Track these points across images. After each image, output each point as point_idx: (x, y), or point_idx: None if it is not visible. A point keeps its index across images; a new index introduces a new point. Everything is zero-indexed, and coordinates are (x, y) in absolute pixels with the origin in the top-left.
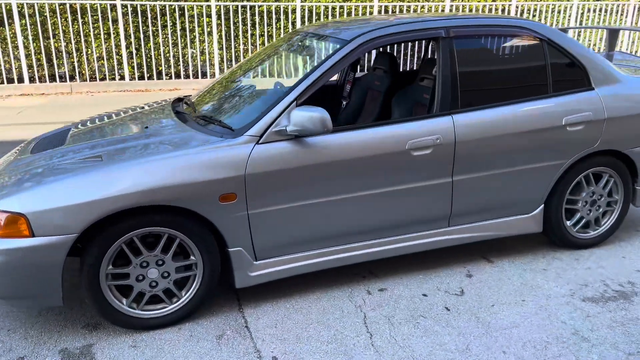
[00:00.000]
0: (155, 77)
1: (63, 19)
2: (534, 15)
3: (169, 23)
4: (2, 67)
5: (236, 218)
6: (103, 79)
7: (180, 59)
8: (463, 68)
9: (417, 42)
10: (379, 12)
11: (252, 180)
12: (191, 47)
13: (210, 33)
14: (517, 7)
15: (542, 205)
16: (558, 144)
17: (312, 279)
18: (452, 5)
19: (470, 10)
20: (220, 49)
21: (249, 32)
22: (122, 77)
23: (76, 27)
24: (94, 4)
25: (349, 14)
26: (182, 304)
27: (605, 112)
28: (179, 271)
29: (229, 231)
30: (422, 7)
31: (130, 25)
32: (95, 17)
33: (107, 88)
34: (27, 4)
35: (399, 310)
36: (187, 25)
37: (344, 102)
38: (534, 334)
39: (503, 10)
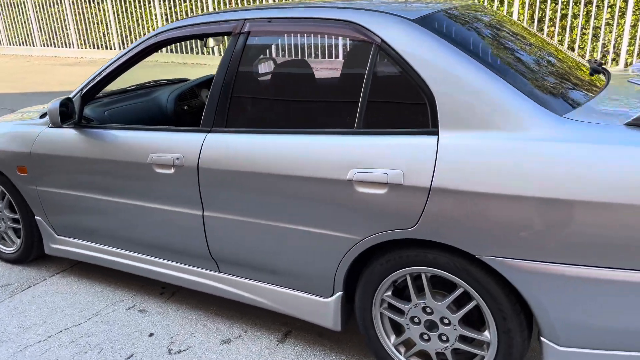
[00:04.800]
0: None
1: None
2: None
3: None
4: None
5: (31, 190)
6: None
7: None
8: (246, 77)
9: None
10: None
11: (36, 158)
12: None
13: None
14: None
15: (341, 294)
16: (343, 209)
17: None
18: None
19: None
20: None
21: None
22: None
23: None
24: None
25: None
26: (15, 250)
27: (434, 173)
28: (14, 222)
29: (30, 200)
30: None
31: None
32: None
33: None
34: None
35: (96, 336)
36: None
37: None
38: None
39: None
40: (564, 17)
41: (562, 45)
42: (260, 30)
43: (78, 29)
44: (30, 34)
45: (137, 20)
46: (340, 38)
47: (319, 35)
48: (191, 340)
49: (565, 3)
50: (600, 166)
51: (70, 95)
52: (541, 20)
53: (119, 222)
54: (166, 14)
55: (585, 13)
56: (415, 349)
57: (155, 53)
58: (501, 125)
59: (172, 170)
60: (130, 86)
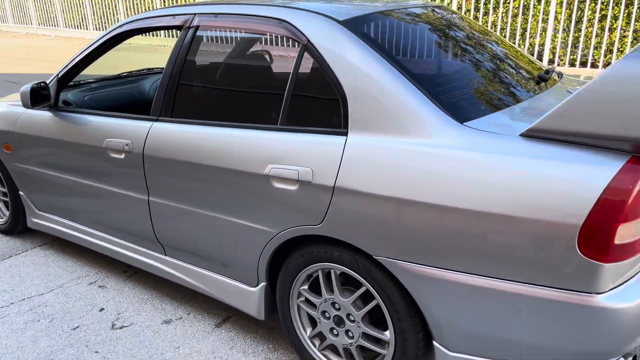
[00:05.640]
0: None
1: None
2: None
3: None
4: None
5: (15, 167)
6: None
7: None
8: (190, 69)
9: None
10: None
11: (17, 137)
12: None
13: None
14: None
15: (264, 284)
16: (262, 203)
17: None
18: None
19: None
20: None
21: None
22: None
23: None
24: None
25: None
26: (5, 221)
27: (338, 173)
28: (4, 195)
29: (15, 176)
30: None
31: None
32: None
33: None
34: None
35: (53, 306)
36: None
37: None
38: None
39: None
40: (603, 18)
41: (600, 47)
42: (207, 25)
43: (127, 14)
44: (85, 17)
45: None
46: (275, 35)
47: (258, 32)
48: (136, 318)
49: (605, 3)
50: (483, 175)
51: (48, 80)
52: (579, 20)
53: (83, 202)
54: None
55: (626, 15)
56: (326, 343)
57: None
58: (403, 130)
59: (122, 156)
60: (122, 73)
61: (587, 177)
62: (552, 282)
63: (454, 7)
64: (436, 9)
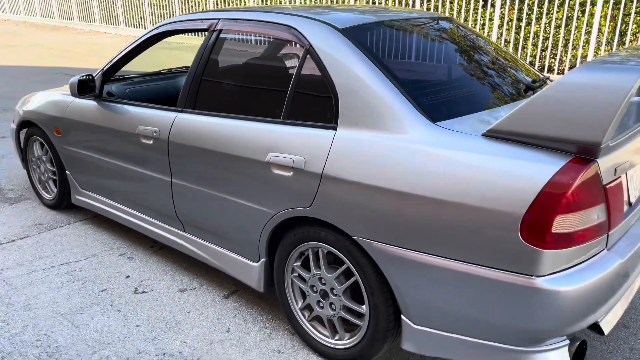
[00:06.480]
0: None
1: None
2: None
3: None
4: None
5: (63, 149)
6: None
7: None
8: (211, 67)
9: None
10: None
11: (66, 122)
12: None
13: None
14: None
15: (264, 260)
16: (263, 186)
17: None
18: None
19: None
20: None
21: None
22: None
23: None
24: None
25: None
26: (53, 197)
27: (326, 162)
28: (53, 174)
29: (62, 156)
30: None
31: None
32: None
33: None
34: None
35: (87, 271)
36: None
37: None
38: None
39: None
40: None
41: None
42: (229, 28)
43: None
44: (143, 17)
45: None
46: (284, 40)
47: (271, 36)
48: (156, 286)
49: None
50: (446, 168)
51: (94, 74)
52: (624, 34)
53: (118, 182)
54: None
55: None
56: (313, 314)
57: None
58: (383, 126)
59: (151, 141)
60: (162, 69)
61: (533, 172)
62: (499, 265)
63: (496, 18)
64: (432, 20)
